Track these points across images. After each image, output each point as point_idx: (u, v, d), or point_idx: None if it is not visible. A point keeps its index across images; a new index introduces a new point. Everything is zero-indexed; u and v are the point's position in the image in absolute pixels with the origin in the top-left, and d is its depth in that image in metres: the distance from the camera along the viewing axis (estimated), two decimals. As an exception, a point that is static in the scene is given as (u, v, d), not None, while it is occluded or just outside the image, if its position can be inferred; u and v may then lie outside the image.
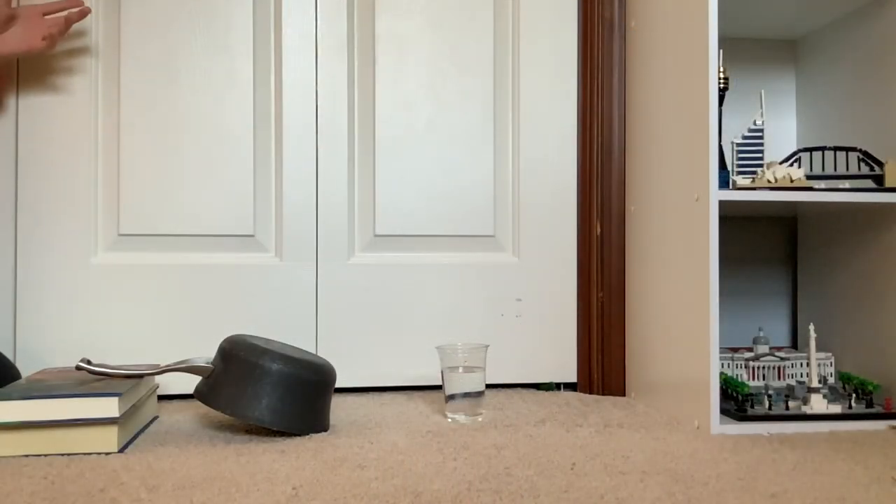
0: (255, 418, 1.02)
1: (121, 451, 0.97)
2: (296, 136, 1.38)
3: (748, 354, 1.25)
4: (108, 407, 0.96)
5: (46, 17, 1.16)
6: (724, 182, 1.17)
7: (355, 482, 0.83)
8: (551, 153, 1.45)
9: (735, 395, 1.15)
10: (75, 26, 1.29)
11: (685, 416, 1.15)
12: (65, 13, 1.16)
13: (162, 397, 1.33)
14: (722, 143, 1.28)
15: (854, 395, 1.17)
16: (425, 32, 1.42)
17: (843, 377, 1.21)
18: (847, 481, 0.84)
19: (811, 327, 1.16)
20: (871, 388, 1.16)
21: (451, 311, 1.43)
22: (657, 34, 1.27)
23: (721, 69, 1.23)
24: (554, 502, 0.77)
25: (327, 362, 1.11)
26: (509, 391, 1.42)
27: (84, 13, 1.18)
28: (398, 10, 1.41)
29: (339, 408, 1.26)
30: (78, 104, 1.32)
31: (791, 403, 1.14)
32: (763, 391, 1.17)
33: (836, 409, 1.12)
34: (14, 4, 1.22)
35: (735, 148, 1.21)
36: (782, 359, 1.24)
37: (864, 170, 1.20)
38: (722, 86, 1.24)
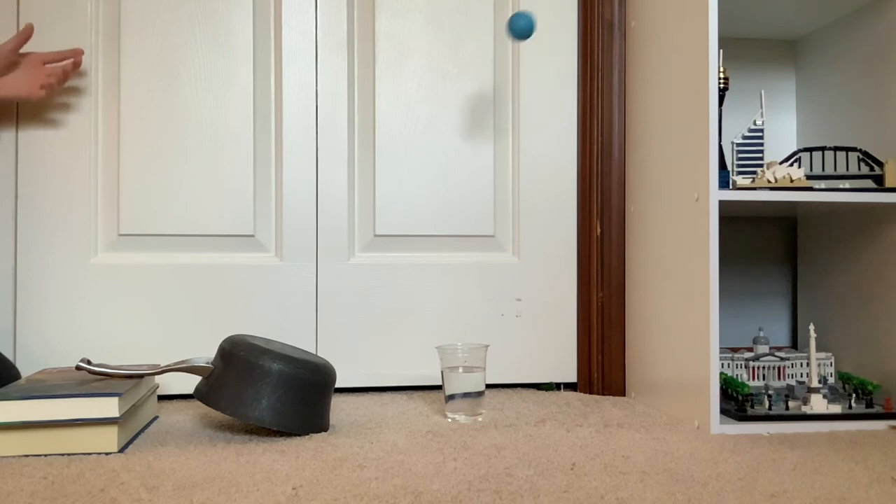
0: (255, 418, 1.01)
1: (121, 451, 0.97)
2: (296, 136, 1.38)
3: (748, 354, 1.25)
4: (108, 407, 0.96)
5: (46, 65, 1.19)
6: (724, 182, 1.17)
7: (355, 482, 0.83)
8: (551, 153, 1.45)
9: (735, 395, 1.15)
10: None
11: (685, 416, 1.15)
12: (62, 64, 1.19)
13: (162, 397, 1.33)
14: (722, 143, 1.28)
15: (854, 395, 1.17)
16: (425, 32, 1.42)
17: (843, 377, 1.21)
18: (847, 481, 0.84)
19: (811, 327, 1.16)
20: (871, 388, 1.16)
21: (452, 311, 1.43)
22: (657, 34, 1.27)
23: (721, 69, 1.23)
24: (554, 502, 0.77)
25: (327, 362, 1.11)
26: (509, 391, 1.42)
27: (79, 64, 1.22)
28: (398, 9, 1.41)
29: (339, 408, 1.26)
30: (78, 104, 1.32)
31: (791, 403, 1.14)
32: (763, 391, 1.17)
33: (836, 409, 1.12)
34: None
35: (735, 148, 1.21)
36: (782, 359, 1.24)
37: (864, 170, 1.20)
38: (722, 86, 1.24)
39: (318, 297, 1.39)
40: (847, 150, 1.22)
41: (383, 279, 1.41)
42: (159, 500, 0.77)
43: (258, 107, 1.38)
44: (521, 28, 1.17)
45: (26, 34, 1.15)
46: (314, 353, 1.37)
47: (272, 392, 1.03)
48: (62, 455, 0.95)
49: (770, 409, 1.13)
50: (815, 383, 1.14)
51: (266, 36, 1.39)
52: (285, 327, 1.38)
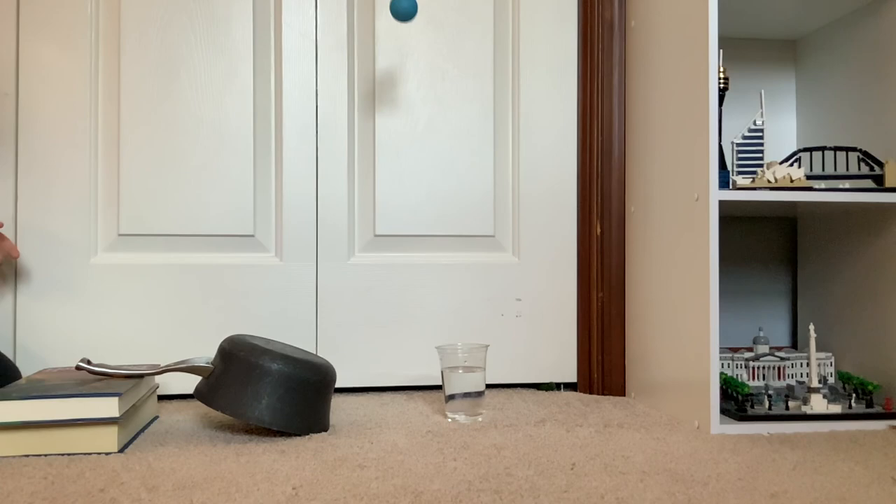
0: (255, 418, 1.01)
1: (121, 451, 0.97)
2: (296, 136, 1.38)
3: (748, 354, 1.25)
4: (108, 407, 0.96)
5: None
6: (724, 182, 1.17)
7: (355, 482, 0.83)
8: (551, 153, 1.45)
9: (735, 395, 1.15)
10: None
11: (685, 416, 1.15)
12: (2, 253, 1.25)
13: (162, 397, 1.33)
14: (722, 143, 1.28)
15: (854, 395, 1.17)
16: (425, 32, 1.42)
17: (843, 377, 1.21)
18: (847, 481, 0.84)
19: (811, 327, 1.16)
20: (871, 388, 1.16)
21: (451, 311, 1.43)
22: (657, 34, 1.27)
23: (721, 69, 1.23)
24: (554, 502, 0.77)
25: (327, 362, 1.11)
26: (509, 391, 1.42)
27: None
28: (398, 10, 1.41)
29: (339, 408, 1.26)
30: (78, 104, 1.32)
31: (791, 403, 1.14)
32: (763, 391, 1.17)
33: (836, 409, 1.12)
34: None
35: (735, 148, 1.21)
36: (782, 359, 1.24)
37: (864, 170, 1.20)
38: (722, 86, 1.24)
39: (318, 297, 1.39)
40: (847, 150, 1.22)
41: (383, 279, 1.41)
42: (159, 500, 0.77)
43: (258, 107, 1.38)
44: (404, 9, 1.19)
45: (6, 253, 1.23)
46: (314, 353, 1.37)
47: (272, 392, 1.03)
48: (62, 455, 0.95)
49: (770, 409, 1.13)
50: (815, 383, 1.14)
51: (266, 36, 1.39)
52: (285, 327, 1.38)
